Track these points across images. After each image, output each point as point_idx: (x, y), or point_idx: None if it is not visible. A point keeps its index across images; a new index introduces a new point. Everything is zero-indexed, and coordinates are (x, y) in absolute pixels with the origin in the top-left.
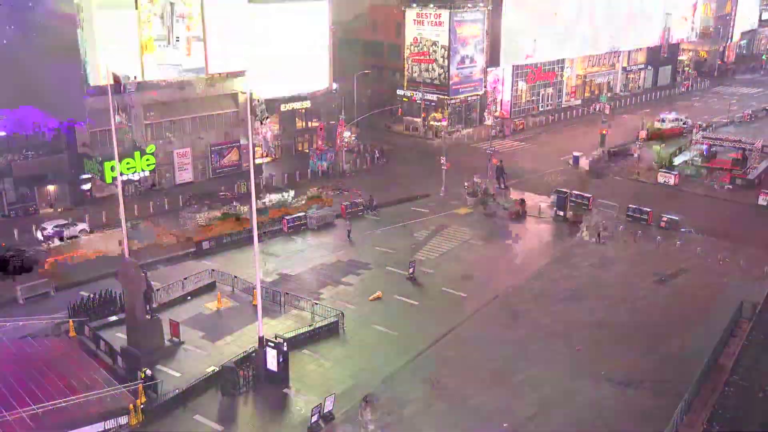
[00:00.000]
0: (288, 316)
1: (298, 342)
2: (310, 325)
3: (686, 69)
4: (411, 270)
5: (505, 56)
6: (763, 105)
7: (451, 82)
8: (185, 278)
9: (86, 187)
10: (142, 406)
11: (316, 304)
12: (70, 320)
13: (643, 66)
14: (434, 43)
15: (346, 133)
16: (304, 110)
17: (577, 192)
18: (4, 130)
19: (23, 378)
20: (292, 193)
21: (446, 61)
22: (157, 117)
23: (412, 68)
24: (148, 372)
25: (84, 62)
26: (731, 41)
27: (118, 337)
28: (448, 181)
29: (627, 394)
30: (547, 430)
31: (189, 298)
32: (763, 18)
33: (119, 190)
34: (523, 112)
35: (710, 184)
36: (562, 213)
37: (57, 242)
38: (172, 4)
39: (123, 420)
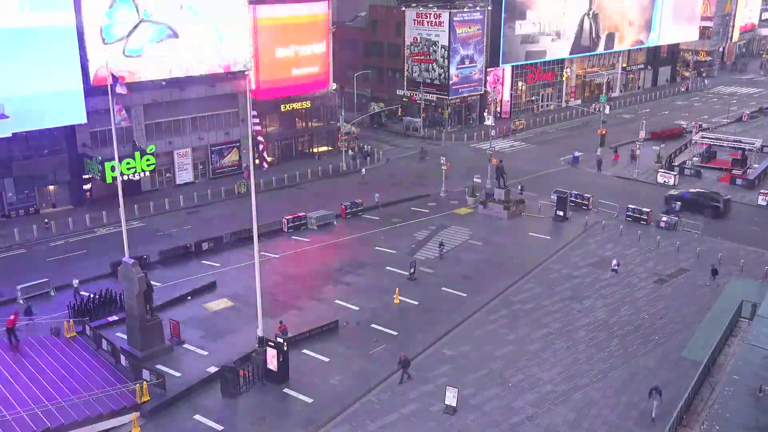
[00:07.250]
0: (288, 316)
1: (298, 342)
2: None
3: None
4: (412, 270)
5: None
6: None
7: (451, 82)
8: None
9: (87, 187)
10: (144, 403)
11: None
12: (71, 320)
13: (642, 66)
14: (434, 43)
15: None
16: (304, 110)
17: (576, 192)
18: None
19: (23, 378)
20: None
21: (446, 61)
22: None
23: (412, 68)
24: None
25: None
26: (731, 41)
27: (118, 337)
28: (448, 181)
29: (627, 394)
30: (547, 430)
31: (189, 298)
32: (763, 18)
33: (119, 190)
34: (523, 112)
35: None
36: (561, 213)
37: None
38: None
39: (123, 420)
